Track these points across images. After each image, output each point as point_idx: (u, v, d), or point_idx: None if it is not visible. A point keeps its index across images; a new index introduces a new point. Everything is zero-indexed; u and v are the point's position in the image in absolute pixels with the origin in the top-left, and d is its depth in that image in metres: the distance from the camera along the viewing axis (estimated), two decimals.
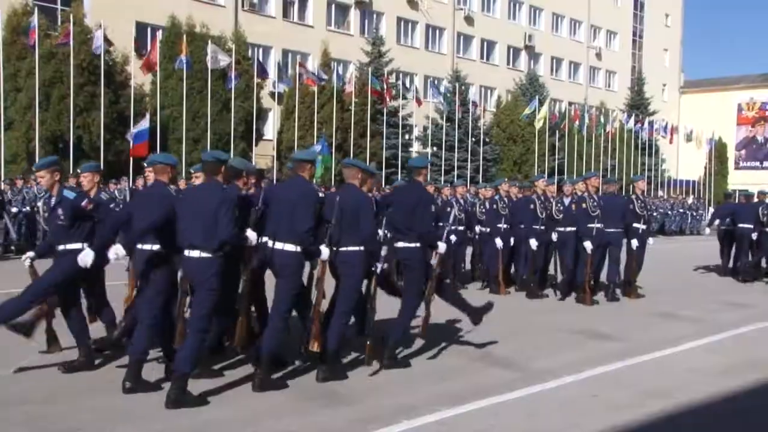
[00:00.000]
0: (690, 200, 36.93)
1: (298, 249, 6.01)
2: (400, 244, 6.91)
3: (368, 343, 6.49)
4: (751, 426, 5.61)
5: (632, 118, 41.27)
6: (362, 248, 6.33)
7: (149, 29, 28.92)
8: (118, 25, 24.27)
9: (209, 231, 5.58)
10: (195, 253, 5.61)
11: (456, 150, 33.22)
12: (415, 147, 36.56)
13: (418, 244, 6.88)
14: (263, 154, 29.59)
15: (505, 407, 5.72)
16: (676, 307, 10.90)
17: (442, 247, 6.94)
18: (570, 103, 44.61)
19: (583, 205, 11.07)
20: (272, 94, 30.79)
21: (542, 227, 11.66)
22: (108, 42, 22.29)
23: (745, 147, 60.38)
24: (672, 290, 12.95)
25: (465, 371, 6.77)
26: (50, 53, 22.45)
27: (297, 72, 27.66)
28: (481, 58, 46.02)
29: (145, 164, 7.18)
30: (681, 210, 33.79)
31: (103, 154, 21.48)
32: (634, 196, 12.27)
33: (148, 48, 23.45)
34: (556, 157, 37.01)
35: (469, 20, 44.61)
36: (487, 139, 37.08)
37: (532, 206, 11.80)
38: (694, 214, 34.67)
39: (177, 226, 5.76)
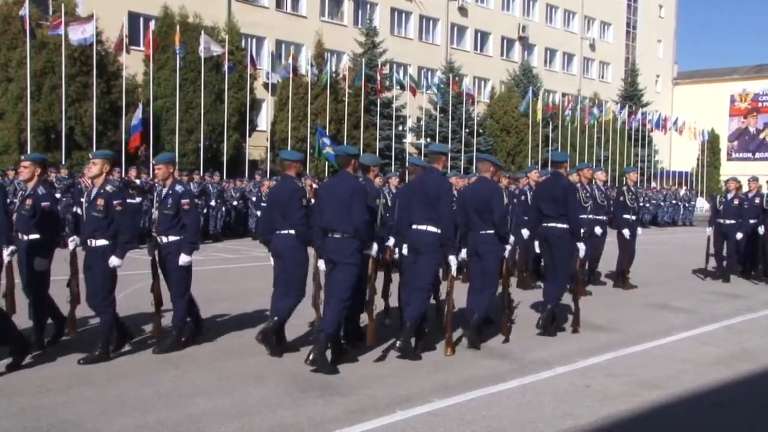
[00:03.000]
0: (682, 191, 37.01)
1: (437, 230, 6.85)
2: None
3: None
4: (742, 416, 5.63)
5: (625, 110, 41.31)
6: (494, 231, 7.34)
7: (142, 19, 28.77)
8: (110, 16, 24.11)
9: (345, 215, 6.40)
10: (336, 235, 6.44)
11: (450, 141, 33.19)
12: (409, 138, 36.53)
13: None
14: (256, 145, 29.52)
15: (498, 398, 5.74)
16: (669, 298, 10.94)
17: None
18: (564, 95, 44.59)
19: (576, 196, 11.07)
20: (266, 85, 30.69)
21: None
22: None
23: (738, 138, 60.59)
24: (665, 281, 12.98)
25: (458, 362, 6.78)
26: (42, 43, 22.30)
27: (291, 63, 27.59)
28: (475, 49, 45.95)
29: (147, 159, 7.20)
30: (674, 201, 33.87)
31: (95, 144, 21.38)
32: (625, 188, 12.28)
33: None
34: (550, 148, 37.01)
35: (462, 11, 44.51)
36: (481, 131, 37.07)
37: (522, 197, 11.80)
38: (687, 205, 34.76)
39: (316, 212, 6.64)
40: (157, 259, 7.08)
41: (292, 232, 6.78)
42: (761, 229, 12.93)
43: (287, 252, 6.80)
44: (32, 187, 6.79)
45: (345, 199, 6.45)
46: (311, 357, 6.27)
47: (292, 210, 6.75)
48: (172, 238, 6.93)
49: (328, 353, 6.43)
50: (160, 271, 7.10)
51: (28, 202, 6.68)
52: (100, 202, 6.48)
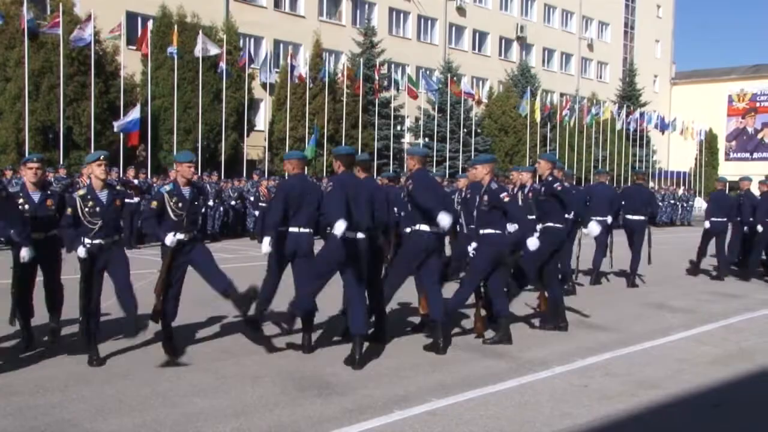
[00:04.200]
0: (680, 191, 37.04)
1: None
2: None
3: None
4: (740, 416, 5.64)
5: (623, 110, 41.34)
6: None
7: (140, 19, 28.75)
8: (107, 15, 24.08)
9: (369, 215, 6.62)
10: (360, 235, 6.55)
11: (448, 141, 33.21)
12: (407, 138, 36.54)
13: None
14: (254, 145, 29.51)
15: (496, 397, 5.73)
16: (667, 298, 10.95)
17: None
18: (562, 95, 44.62)
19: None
20: (264, 85, 30.66)
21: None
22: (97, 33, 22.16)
23: (736, 138, 60.62)
24: (663, 281, 12.99)
25: (456, 362, 6.78)
26: (40, 43, 22.27)
27: (289, 63, 27.58)
28: (473, 48, 45.95)
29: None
30: (672, 201, 33.91)
31: (93, 144, 21.36)
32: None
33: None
34: (548, 148, 37.05)
35: (461, 11, 44.51)
36: (479, 130, 37.06)
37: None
38: (685, 205, 34.82)
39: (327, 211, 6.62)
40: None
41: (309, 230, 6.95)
42: (760, 228, 12.91)
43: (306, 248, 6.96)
44: (45, 188, 6.92)
45: (367, 199, 6.65)
46: (356, 362, 6.39)
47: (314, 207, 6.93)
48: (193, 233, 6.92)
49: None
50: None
51: (50, 201, 6.80)
52: (119, 203, 6.60)
